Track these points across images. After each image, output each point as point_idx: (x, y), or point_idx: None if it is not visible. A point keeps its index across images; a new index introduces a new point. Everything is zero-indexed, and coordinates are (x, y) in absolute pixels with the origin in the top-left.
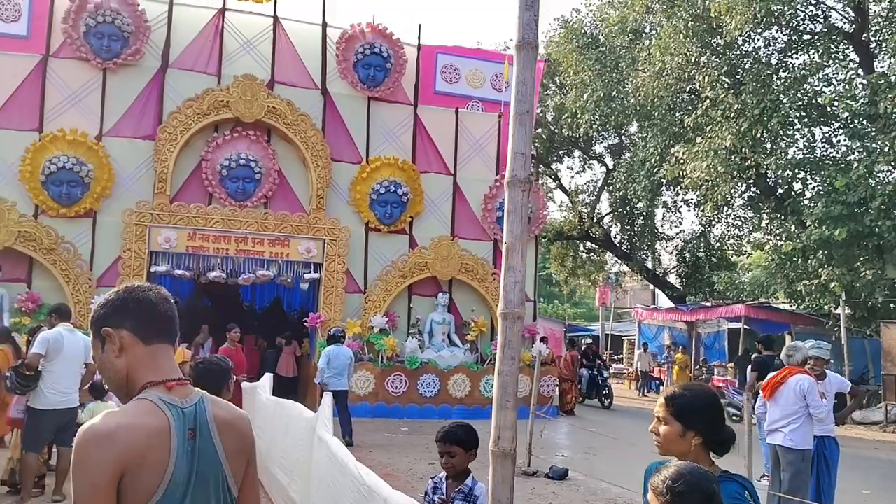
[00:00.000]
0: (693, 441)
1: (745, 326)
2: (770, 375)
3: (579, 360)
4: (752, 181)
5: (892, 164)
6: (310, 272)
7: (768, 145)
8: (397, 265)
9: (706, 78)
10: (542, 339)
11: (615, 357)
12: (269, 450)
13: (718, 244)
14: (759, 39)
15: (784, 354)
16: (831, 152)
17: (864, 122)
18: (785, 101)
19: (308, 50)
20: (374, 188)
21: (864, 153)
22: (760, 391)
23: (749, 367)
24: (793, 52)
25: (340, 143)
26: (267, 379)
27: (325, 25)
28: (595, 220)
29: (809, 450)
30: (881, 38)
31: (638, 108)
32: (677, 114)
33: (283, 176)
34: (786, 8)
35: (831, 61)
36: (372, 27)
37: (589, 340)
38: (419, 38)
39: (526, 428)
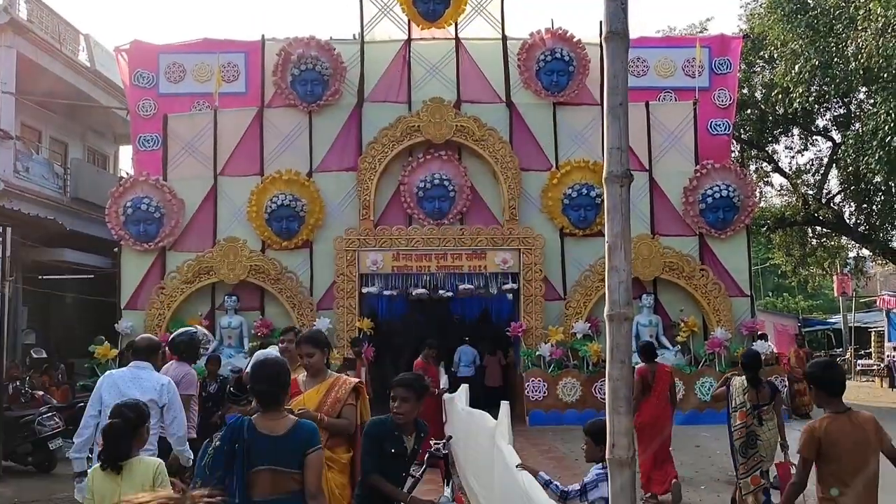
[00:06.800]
0: None
1: None
2: None
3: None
4: None
5: None
6: (508, 282)
7: None
8: (596, 269)
9: None
10: (762, 336)
11: (861, 352)
12: (465, 458)
13: None
14: None
15: None
16: None
17: None
18: None
19: (490, 65)
20: (566, 193)
21: None
22: None
23: None
24: None
25: (529, 152)
26: (463, 390)
27: (504, 39)
28: (823, 201)
29: None
30: None
31: (863, 72)
32: None
33: (476, 191)
34: None
35: None
36: (551, 32)
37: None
38: (601, 35)
39: None
